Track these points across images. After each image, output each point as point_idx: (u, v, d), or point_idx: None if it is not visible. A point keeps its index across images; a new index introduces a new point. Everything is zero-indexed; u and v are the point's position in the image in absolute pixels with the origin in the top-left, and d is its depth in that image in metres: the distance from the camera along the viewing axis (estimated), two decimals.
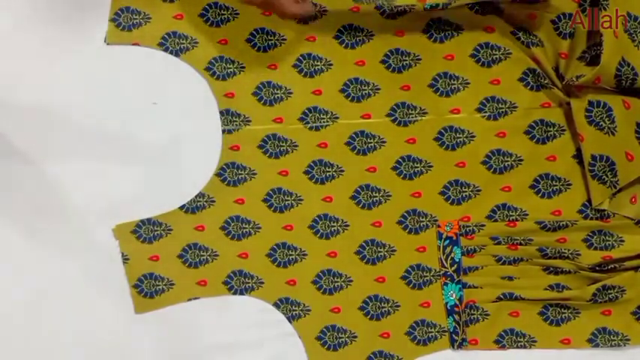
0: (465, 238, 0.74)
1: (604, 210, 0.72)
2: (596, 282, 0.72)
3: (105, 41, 0.76)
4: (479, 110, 0.75)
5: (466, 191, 0.75)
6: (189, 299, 0.76)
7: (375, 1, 0.73)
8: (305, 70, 0.76)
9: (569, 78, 0.71)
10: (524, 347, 0.74)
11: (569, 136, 0.74)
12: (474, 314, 0.74)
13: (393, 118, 0.75)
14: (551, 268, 0.73)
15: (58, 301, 0.76)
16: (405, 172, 0.75)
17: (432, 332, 0.75)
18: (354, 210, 0.75)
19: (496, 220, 0.74)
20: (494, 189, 0.75)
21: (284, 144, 0.76)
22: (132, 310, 0.76)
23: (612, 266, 0.72)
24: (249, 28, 0.76)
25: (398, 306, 0.75)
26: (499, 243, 0.74)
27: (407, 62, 0.75)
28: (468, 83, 0.75)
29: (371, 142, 0.75)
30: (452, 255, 0.74)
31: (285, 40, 0.76)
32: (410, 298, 0.75)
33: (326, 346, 0.75)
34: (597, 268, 0.72)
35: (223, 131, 0.76)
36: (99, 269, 0.76)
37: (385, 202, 0.75)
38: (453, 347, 0.74)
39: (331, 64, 0.76)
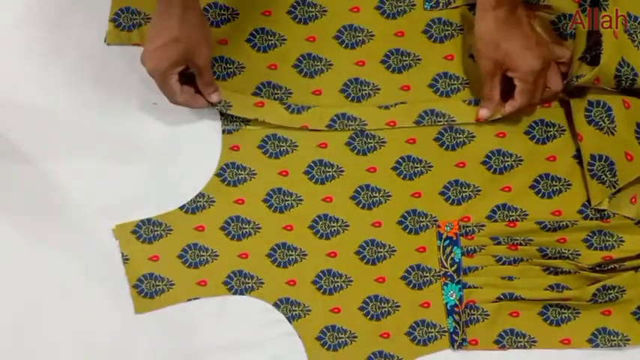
0: (465, 239, 0.74)
1: (604, 210, 0.72)
2: (596, 282, 0.72)
3: (105, 41, 0.76)
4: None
5: (466, 191, 0.75)
6: (189, 299, 0.76)
7: (345, 128, 0.75)
8: (305, 70, 0.76)
9: (569, 78, 0.71)
10: (524, 347, 0.74)
11: (569, 136, 0.74)
12: (474, 314, 0.74)
13: None
14: (552, 269, 0.73)
15: (58, 301, 0.76)
16: (405, 172, 0.75)
17: (432, 332, 0.74)
18: (354, 210, 0.75)
19: (496, 221, 0.74)
20: (495, 189, 0.74)
21: (284, 144, 0.76)
22: (132, 310, 0.76)
23: (612, 266, 0.72)
24: (249, 28, 0.76)
25: (398, 306, 0.75)
26: (499, 243, 0.74)
27: (407, 62, 0.75)
28: (468, 84, 0.75)
29: (371, 142, 0.75)
30: (452, 255, 0.74)
31: (285, 40, 0.76)
32: (410, 298, 0.75)
33: (326, 347, 0.75)
34: (597, 268, 0.72)
35: (223, 131, 0.76)
36: (99, 269, 0.76)
37: (385, 202, 0.75)
38: (453, 347, 0.74)
39: (331, 64, 0.75)
